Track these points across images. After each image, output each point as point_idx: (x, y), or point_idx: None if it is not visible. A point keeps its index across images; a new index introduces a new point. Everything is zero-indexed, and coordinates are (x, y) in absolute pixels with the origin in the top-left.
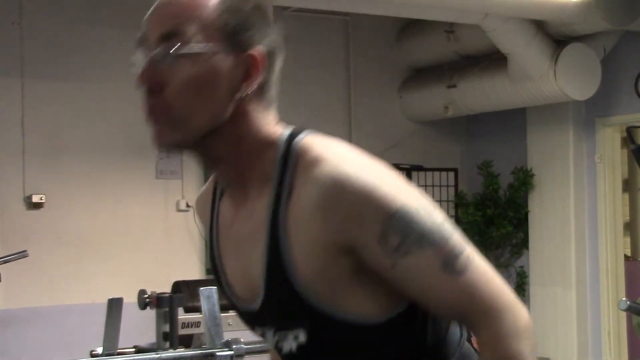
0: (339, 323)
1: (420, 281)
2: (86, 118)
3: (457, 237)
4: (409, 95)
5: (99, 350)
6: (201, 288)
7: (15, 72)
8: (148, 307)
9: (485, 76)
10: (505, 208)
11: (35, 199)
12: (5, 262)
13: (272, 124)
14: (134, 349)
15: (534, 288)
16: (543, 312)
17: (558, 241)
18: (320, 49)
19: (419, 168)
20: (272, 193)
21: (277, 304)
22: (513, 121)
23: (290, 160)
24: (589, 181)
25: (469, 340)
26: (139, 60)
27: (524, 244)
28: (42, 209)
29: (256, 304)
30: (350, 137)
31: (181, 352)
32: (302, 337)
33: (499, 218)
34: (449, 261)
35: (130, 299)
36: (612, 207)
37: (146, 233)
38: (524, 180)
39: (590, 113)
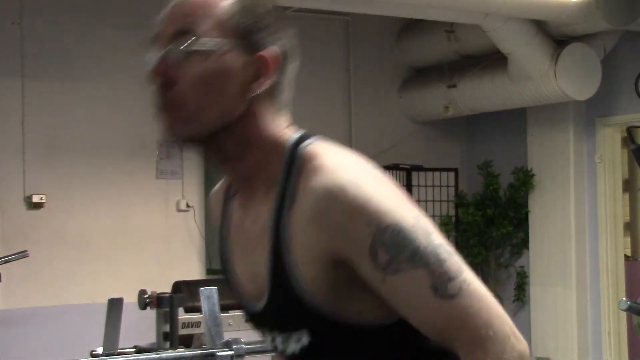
0: (341, 326)
1: (409, 301)
2: (86, 118)
3: (454, 261)
4: (409, 95)
5: (99, 350)
6: (201, 288)
7: (15, 72)
8: (148, 307)
9: (485, 76)
10: (506, 208)
11: (36, 199)
12: (6, 262)
13: (282, 127)
14: (134, 349)
15: (534, 288)
16: (543, 312)
17: (558, 241)
18: (320, 49)
19: (419, 168)
20: (276, 199)
21: (280, 306)
22: (513, 121)
23: (294, 166)
24: (589, 181)
25: None
26: (153, 57)
27: (524, 244)
28: (42, 209)
29: (261, 304)
30: (350, 137)
31: (181, 352)
32: (305, 339)
33: (499, 218)
34: (441, 284)
35: (130, 299)
36: (612, 207)
37: (146, 233)
38: (524, 180)
39: (590, 113)
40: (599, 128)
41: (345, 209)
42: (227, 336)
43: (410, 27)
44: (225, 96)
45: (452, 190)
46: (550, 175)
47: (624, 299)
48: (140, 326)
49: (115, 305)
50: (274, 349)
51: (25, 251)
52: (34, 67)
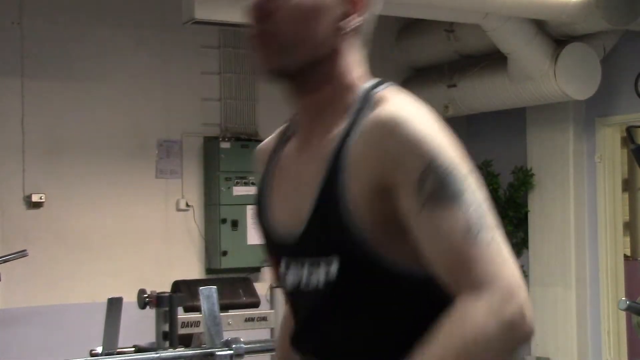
0: (374, 263)
1: (437, 235)
2: (86, 118)
3: (492, 218)
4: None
5: (99, 349)
6: (201, 287)
7: (15, 72)
8: (148, 307)
9: (485, 76)
10: (505, 208)
11: (35, 198)
12: (5, 261)
13: (362, 68)
14: (133, 349)
15: (534, 288)
16: (543, 312)
17: (558, 241)
18: None
19: None
20: (345, 128)
21: (320, 230)
22: (513, 121)
23: (367, 104)
24: (589, 181)
25: None
26: None
27: (524, 243)
28: (42, 209)
29: (299, 230)
30: None
31: (181, 351)
32: (334, 267)
33: (499, 218)
34: (475, 228)
35: (130, 299)
36: (612, 207)
37: (146, 233)
38: (524, 180)
39: (590, 113)
40: (599, 128)
41: (404, 138)
42: (227, 336)
43: (410, 27)
44: (319, 30)
45: None
46: (550, 175)
47: (624, 298)
48: (139, 325)
49: (114, 305)
50: (287, 283)
51: (24, 250)
52: (34, 67)
